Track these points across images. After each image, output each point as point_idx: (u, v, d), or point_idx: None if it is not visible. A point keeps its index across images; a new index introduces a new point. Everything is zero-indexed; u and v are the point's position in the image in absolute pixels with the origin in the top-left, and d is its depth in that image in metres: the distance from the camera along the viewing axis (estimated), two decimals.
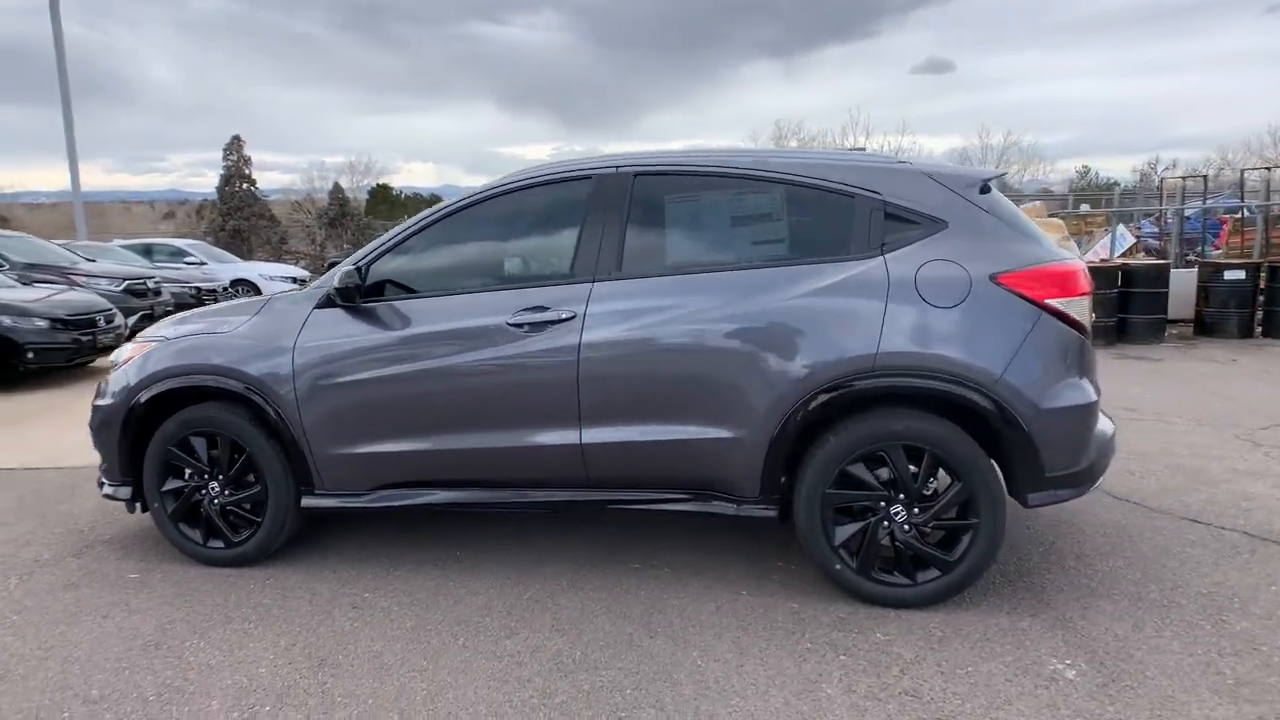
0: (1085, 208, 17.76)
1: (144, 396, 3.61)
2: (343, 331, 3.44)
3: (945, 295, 3.04)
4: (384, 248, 3.52)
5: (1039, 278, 3.04)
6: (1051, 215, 16.36)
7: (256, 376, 3.48)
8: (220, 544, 3.66)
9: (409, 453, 3.44)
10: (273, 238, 35.19)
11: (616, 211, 3.33)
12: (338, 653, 2.92)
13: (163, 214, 48.27)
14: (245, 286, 17.17)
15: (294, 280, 18.41)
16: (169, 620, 3.18)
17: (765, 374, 3.11)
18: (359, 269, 3.42)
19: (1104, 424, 3.31)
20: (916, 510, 3.10)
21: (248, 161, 36.18)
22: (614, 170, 3.39)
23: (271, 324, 3.54)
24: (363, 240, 28.62)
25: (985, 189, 3.23)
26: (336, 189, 37.85)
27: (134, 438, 3.67)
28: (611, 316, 3.22)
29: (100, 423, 3.74)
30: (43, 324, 8.21)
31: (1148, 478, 4.70)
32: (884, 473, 3.11)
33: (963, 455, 3.02)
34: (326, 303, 3.47)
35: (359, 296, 3.40)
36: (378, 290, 3.50)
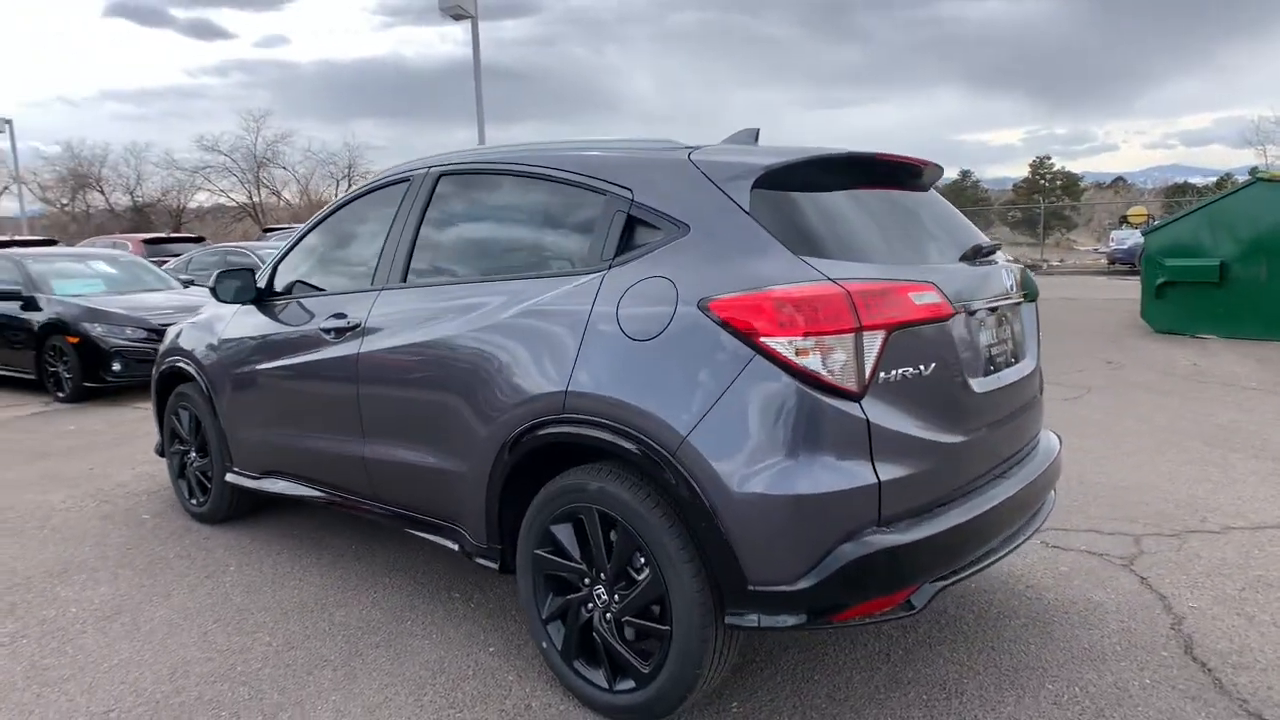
0: None
1: (159, 370, 4.40)
2: (244, 326, 3.80)
3: (645, 324, 2.30)
4: (285, 249, 3.78)
5: (760, 305, 2.13)
6: None
7: (201, 361, 4.02)
8: (194, 502, 4.30)
9: (271, 443, 3.68)
10: None
11: (416, 215, 3.14)
12: (129, 612, 3.27)
13: None
14: None
15: None
16: (100, 557, 3.87)
17: (480, 405, 2.68)
18: (250, 271, 3.74)
19: (932, 523, 2.17)
20: (617, 597, 2.41)
21: None
22: (424, 171, 3.19)
23: (218, 314, 4.04)
24: None
25: (777, 180, 2.35)
26: None
27: (159, 402, 4.50)
28: (382, 329, 3.06)
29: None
30: None
31: None
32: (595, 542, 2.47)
33: (652, 538, 2.27)
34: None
35: (245, 296, 3.71)
36: (289, 290, 3.77)
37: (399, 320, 3.01)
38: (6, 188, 35.80)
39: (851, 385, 2.09)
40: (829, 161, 2.46)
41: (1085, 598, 3.24)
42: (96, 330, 7.67)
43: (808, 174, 2.42)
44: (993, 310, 2.57)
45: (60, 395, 7.93)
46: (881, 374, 2.13)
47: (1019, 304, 2.81)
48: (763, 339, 2.10)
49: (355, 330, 3.15)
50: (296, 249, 3.74)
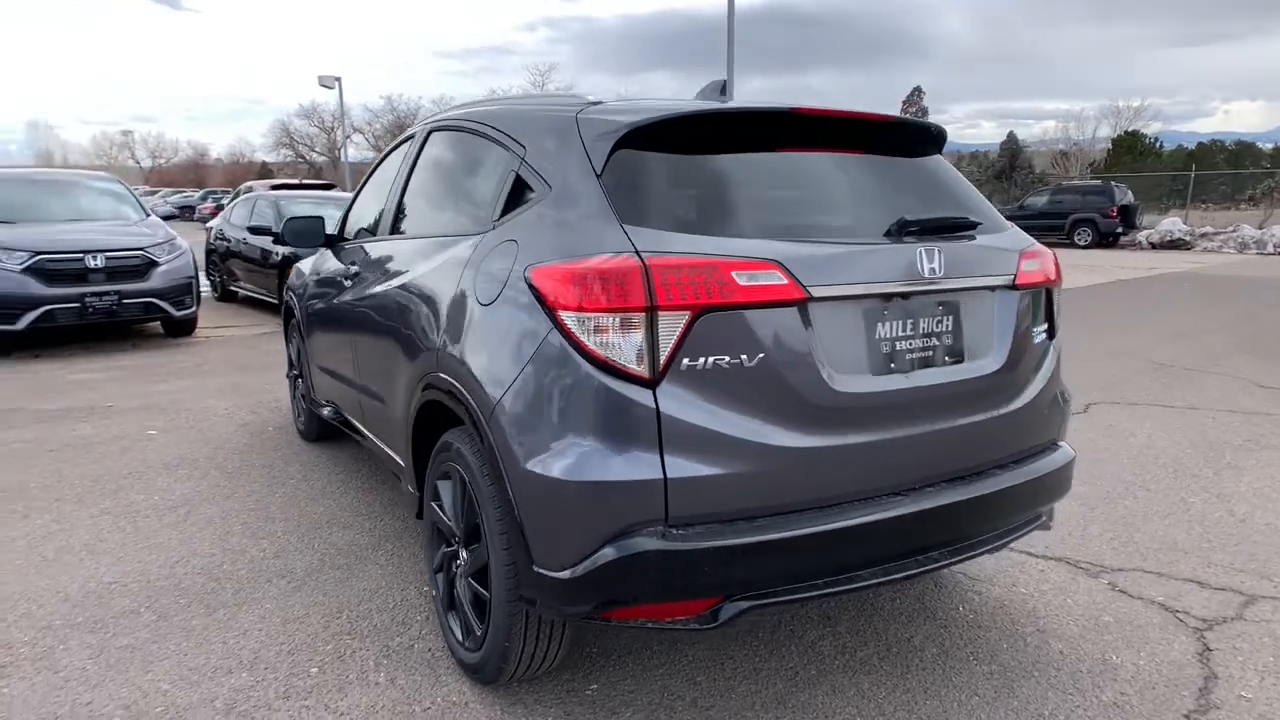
0: None
1: (284, 303, 5.01)
2: (317, 268, 4.21)
3: (489, 288, 2.25)
4: (352, 197, 4.12)
5: (560, 276, 1.98)
6: None
7: (295, 297, 4.52)
8: (299, 420, 4.90)
9: (322, 376, 4.08)
10: None
11: (407, 169, 3.29)
12: (189, 505, 3.84)
13: None
14: None
15: None
16: (209, 457, 4.54)
17: (399, 359, 2.81)
18: (318, 219, 4.11)
19: (741, 533, 1.92)
20: (466, 557, 2.43)
21: (925, 112, 37.35)
22: (424, 127, 3.31)
23: (314, 255, 4.51)
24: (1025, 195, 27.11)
25: (645, 139, 2.15)
26: (1010, 139, 37.12)
27: (286, 332, 5.13)
28: (365, 278, 3.27)
29: None
30: None
31: None
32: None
33: (484, 503, 2.24)
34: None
35: (282, 239, 4.05)
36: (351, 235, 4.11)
37: (374, 271, 3.19)
38: (349, 137, 42.07)
39: (642, 370, 1.89)
40: (721, 119, 2.19)
41: (1100, 656, 2.67)
42: None
43: (691, 132, 2.18)
44: (906, 297, 2.16)
45: None
46: (685, 360, 1.90)
47: (985, 292, 2.33)
48: (560, 312, 1.97)
49: (356, 277, 3.39)
50: (358, 198, 4.06)
